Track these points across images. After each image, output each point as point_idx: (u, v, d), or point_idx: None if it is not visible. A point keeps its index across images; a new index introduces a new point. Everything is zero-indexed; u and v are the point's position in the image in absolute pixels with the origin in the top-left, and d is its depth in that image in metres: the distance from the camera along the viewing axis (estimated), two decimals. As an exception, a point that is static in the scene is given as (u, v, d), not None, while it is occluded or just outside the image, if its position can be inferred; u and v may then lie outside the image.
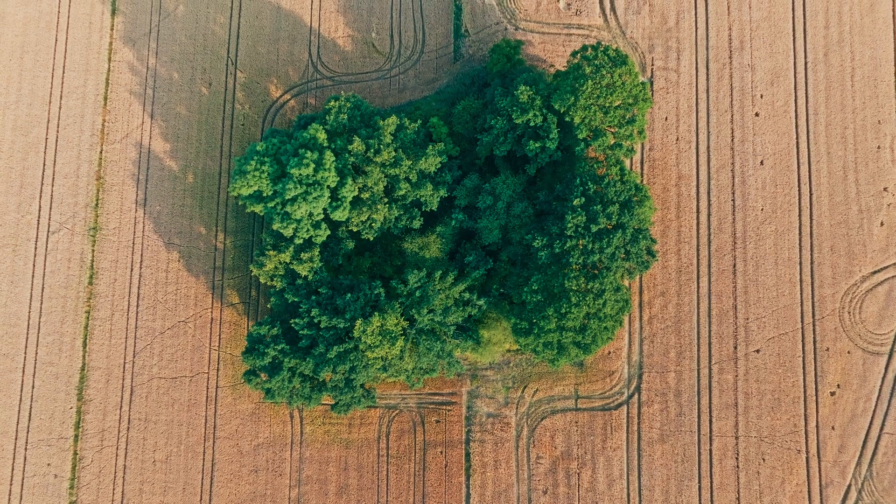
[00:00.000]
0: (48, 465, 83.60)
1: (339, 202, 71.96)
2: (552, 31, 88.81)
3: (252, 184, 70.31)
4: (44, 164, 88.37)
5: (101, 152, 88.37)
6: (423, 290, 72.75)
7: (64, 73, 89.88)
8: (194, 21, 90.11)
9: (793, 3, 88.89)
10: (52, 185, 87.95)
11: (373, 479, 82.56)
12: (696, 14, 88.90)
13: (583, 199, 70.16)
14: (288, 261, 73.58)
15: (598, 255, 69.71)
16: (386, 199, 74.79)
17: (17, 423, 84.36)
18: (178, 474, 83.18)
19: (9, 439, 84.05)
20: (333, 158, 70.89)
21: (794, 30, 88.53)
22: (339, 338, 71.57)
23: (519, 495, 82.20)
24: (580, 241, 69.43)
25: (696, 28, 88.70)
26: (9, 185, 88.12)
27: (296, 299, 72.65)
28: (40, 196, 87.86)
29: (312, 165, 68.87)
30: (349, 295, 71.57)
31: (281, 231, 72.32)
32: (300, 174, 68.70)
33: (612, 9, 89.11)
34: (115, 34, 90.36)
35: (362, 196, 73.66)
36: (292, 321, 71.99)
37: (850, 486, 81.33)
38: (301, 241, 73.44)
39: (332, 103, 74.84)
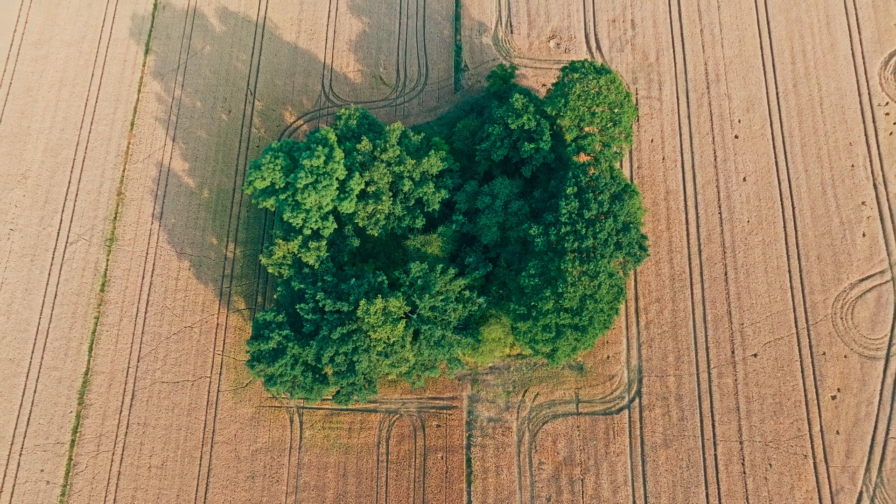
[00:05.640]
0: (41, 470, 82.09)
1: (347, 194, 76.59)
2: (543, 66, 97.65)
3: (266, 176, 75.31)
4: (69, 182, 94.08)
5: (123, 171, 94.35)
6: (424, 280, 75.47)
7: (97, 103, 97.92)
8: (219, 58, 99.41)
9: (760, 42, 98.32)
10: (75, 201, 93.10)
11: (372, 485, 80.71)
12: (673, 52, 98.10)
13: (575, 189, 74.78)
14: (296, 251, 76.99)
15: (591, 239, 73.15)
16: (391, 194, 79.44)
17: (15, 427, 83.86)
18: (173, 480, 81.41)
19: (4, 444, 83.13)
20: (342, 155, 76.40)
21: (763, 65, 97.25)
22: (342, 322, 73.36)
23: (522, 502, 79.92)
24: (574, 227, 73.09)
25: (675, 63, 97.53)
26: (34, 201, 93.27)
27: (302, 286, 75.25)
28: (62, 210, 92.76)
29: (323, 158, 74.24)
30: (353, 280, 74.35)
31: (290, 221, 76.36)
32: (311, 165, 73.88)
33: (598, 47, 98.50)
34: (147, 70, 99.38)
35: (368, 190, 78.42)
36: (298, 306, 74.15)
37: (861, 492, 79.26)
38: (309, 231, 77.27)
39: (343, 111, 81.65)
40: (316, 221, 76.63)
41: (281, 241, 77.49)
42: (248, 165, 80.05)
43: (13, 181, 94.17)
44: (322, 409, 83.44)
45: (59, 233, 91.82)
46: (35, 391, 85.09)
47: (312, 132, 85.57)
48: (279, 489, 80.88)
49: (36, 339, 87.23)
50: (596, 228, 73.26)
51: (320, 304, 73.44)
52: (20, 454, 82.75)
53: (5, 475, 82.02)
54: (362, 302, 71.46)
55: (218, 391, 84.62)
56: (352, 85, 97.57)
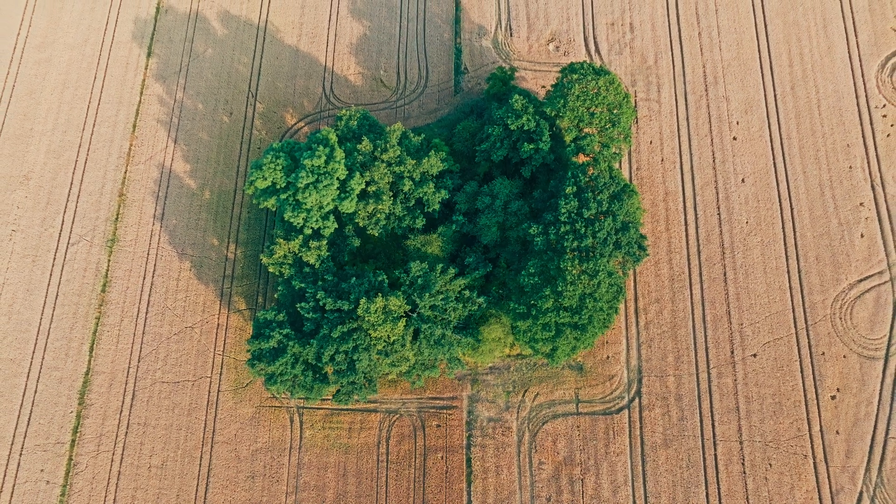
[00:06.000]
0: (41, 470, 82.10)
1: (348, 194, 77.04)
2: (543, 68, 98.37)
3: (267, 176, 75.75)
4: (71, 183, 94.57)
5: (125, 172, 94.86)
6: (424, 279, 75.77)
7: (99, 105, 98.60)
8: (220, 61, 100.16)
9: (758, 46, 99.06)
10: (77, 202, 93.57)
11: (372, 485, 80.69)
12: (672, 55, 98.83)
13: (575, 188, 75.22)
14: (297, 250, 77.34)
15: (590, 238, 73.50)
16: (391, 194, 79.90)
17: (16, 427, 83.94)
18: (173, 480, 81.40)
19: (4, 444, 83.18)
20: (343, 155, 76.88)
21: (761, 68, 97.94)
22: (343, 320, 73.60)
23: (522, 502, 79.87)
24: (574, 226, 73.44)
25: (674, 66, 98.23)
26: (36, 202, 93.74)
27: (302, 285, 75.55)
28: (64, 211, 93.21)
29: (324, 157, 74.73)
30: (354, 279, 74.66)
31: (291, 221, 76.75)
32: (312, 164, 74.35)
33: (597, 50, 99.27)
34: (149, 72, 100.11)
35: (369, 189, 78.89)
36: (298, 305, 74.42)
37: (861, 492, 79.22)
38: (310, 231, 77.66)
39: (343, 112, 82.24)
40: (317, 221, 77.04)
41: (282, 240, 77.89)
42: (250, 165, 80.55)
43: (16, 182, 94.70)
44: (322, 408, 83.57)
45: (60, 234, 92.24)
46: (36, 391, 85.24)
47: (313, 133, 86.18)
48: (279, 489, 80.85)
49: (37, 339, 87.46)
50: (595, 227, 73.62)
51: (321, 303, 73.72)
52: (20, 454, 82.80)
53: (5, 475, 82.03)
54: (363, 300, 71.74)
55: (218, 391, 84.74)
56: (352, 87, 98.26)
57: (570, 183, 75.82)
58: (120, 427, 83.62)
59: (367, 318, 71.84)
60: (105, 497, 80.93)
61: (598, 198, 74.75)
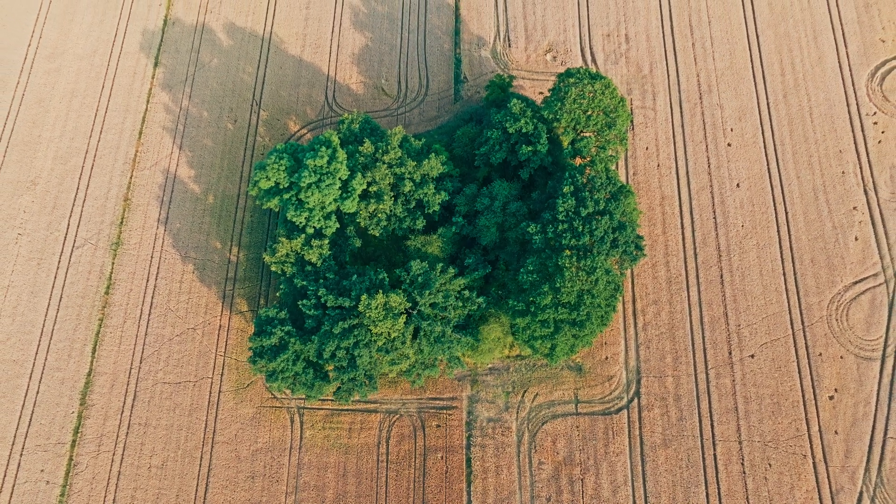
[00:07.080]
0: (41, 471, 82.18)
1: (349, 193, 78.49)
2: (540, 77, 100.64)
3: (271, 176, 77.25)
4: (77, 188, 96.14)
5: (130, 177, 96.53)
6: (424, 277, 76.81)
7: (106, 113, 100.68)
8: (226, 71, 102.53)
9: (750, 55, 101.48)
10: (83, 206, 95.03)
11: (371, 485, 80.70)
12: (666, 64, 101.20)
13: (572, 188, 76.69)
14: (299, 249, 78.50)
15: (587, 237, 74.72)
16: (392, 194, 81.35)
17: (17, 427, 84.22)
18: (173, 480, 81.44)
19: (5, 444, 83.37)
20: (345, 156, 78.53)
21: (754, 77, 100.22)
22: (344, 317, 74.46)
23: (522, 502, 79.81)
24: (571, 224, 74.71)
25: (668, 75, 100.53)
26: (42, 206, 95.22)
27: (304, 283, 76.56)
28: (70, 215, 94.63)
29: (326, 158, 76.34)
30: (355, 276, 75.72)
31: (294, 220, 78.05)
32: (315, 164, 75.93)
33: (593, 59, 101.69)
34: (156, 81, 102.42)
35: (370, 190, 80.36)
36: (300, 302, 75.36)
37: (861, 492, 79.23)
38: (312, 230, 78.93)
39: (346, 115, 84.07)
40: (319, 220, 78.35)
41: (284, 239, 79.10)
42: (253, 167, 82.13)
43: (23, 187, 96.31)
44: (322, 409, 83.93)
45: (65, 237, 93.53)
46: (38, 392, 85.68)
47: (316, 137, 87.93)
48: (279, 489, 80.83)
49: (40, 340, 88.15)
50: (592, 226, 74.87)
51: (322, 300, 74.65)
52: (21, 454, 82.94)
53: (5, 475, 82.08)
54: (364, 296, 72.68)
55: (219, 392, 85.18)
56: (354, 96, 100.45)
57: (567, 183, 77.29)
58: (121, 427, 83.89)
59: (368, 315, 72.72)
60: (105, 497, 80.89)
61: (595, 197, 76.16)
